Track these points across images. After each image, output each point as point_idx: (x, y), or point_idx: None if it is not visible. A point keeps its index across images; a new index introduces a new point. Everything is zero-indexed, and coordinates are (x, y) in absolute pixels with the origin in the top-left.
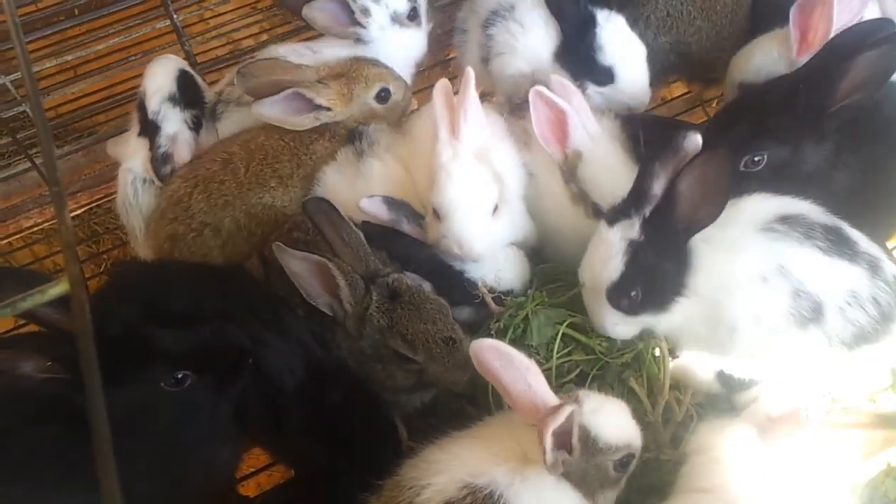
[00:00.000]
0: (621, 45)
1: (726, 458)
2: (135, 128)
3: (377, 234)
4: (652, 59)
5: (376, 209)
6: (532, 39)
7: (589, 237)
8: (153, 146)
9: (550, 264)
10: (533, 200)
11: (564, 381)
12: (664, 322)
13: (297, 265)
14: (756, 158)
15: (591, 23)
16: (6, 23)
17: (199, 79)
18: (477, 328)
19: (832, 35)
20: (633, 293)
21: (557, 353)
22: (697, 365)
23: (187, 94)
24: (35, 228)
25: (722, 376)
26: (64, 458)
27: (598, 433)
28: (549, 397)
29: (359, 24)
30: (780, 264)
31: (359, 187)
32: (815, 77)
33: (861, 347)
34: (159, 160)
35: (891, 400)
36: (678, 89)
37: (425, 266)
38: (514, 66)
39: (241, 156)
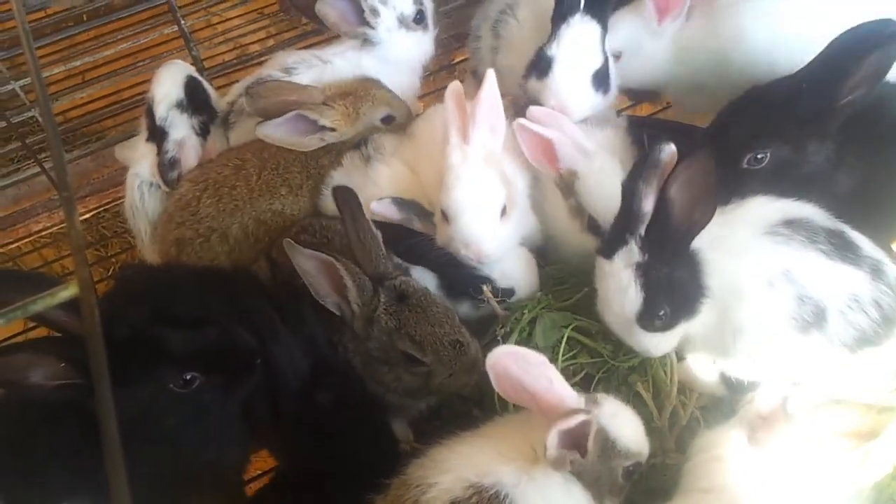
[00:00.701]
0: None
1: (728, 457)
2: (143, 133)
3: (387, 229)
4: None
5: (387, 210)
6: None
7: (584, 250)
8: (161, 151)
9: (556, 266)
10: (536, 202)
11: (572, 383)
12: (698, 321)
13: (307, 263)
14: (759, 156)
15: None
16: (16, 29)
17: (206, 84)
18: (477, 324)
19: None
20: (661, 313)
21: (563, 356)
22: (702, 367)
23: (195, 100)
24: (44, 232)
25: (726, 379)
26: (74, 461)
27: (616, 437)
28: (569, 392)
29: (367, 24)
30: (786, 269)
31: (368, 192)
32: (819, 76)
33: (863, 350)
34: (167, 165)
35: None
36: None
37: (435, 260)
38: (517, 65)
39: (254, 163)
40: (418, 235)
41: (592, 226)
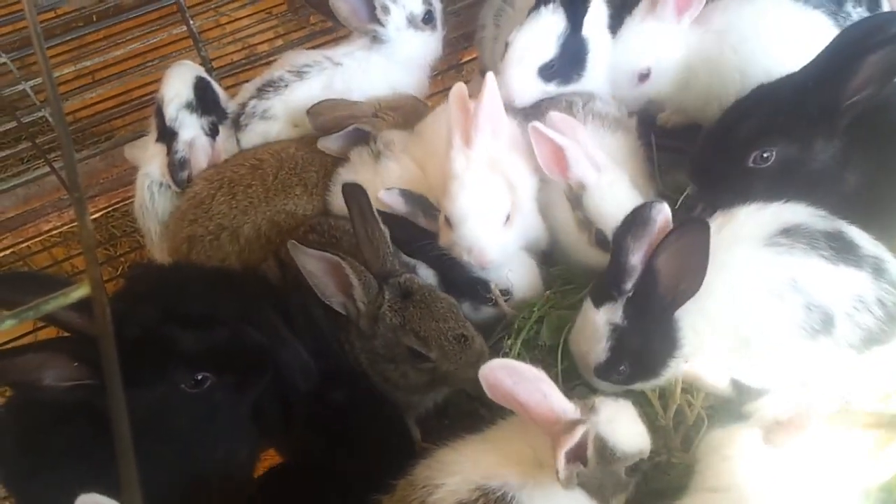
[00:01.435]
0: None
1: (738, 457)
2: (153, 133)
3: (394, 226)
4: None
5: (394, 201)
6: None
7: (591, 262)
8: (170, 152)
9: (563, 266)
10: (544, 205)
11: (575, 384)
12: (662, 382)
13: (312, 264)
14: (765, 154)
15: None
16: (26, 30)
17: (215, 85)
18: (482, 325)
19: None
20: (621, 369)
21: (566, 358)
22: (709, 372)
23: (204, 100)
24: (54, 232)
25: (735, 383)
26: (85, 462)
27: (615, 443)
28: (565, 405)
29: (378, 21)
30: (792, 279)
31: (377, 188)
32: (825, 73)
33: (870, 349)
34: (176, 165)
35: None
36: None
37: (437, 260)
38: None
39: (271, 163)
40: (422, 236)
41: (600, 240)
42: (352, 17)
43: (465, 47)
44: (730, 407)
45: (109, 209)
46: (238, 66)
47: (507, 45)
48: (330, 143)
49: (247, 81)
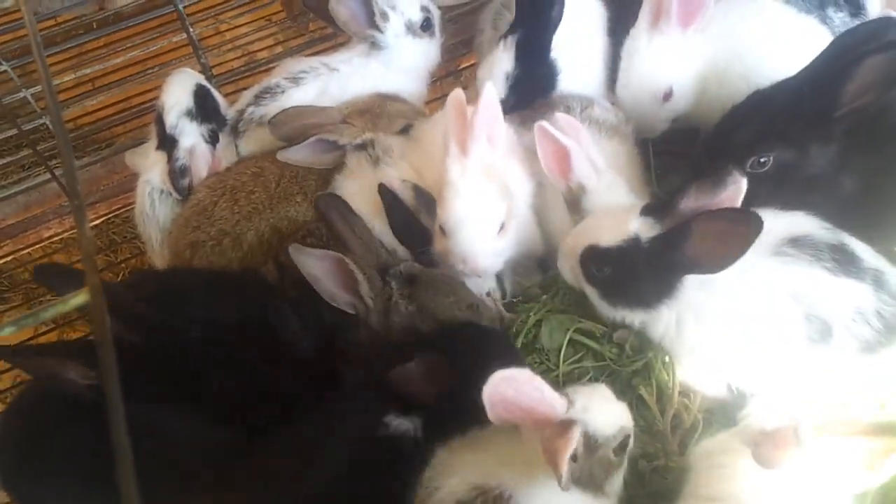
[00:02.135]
0: None
1: (732, 465)
2: (153, 141)
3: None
4: None
5: (405, 192)
6: None
7: None
8: (171, 159)
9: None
10: (540, 209)
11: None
12: (609, 313)
13: (315, 266)
14: (762, 160)
15: None
16: (27, 37)
17: (215, 92)
18: None
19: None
20: (605, 269)
21: (567, 359)
22: (706, 378)
23: (204, 108)
24: (55, 238)
25: (731, 389)
26: (87, 466)
27: (594, 430)
28: (556, 398)
29: (377, 27)
30: (794, 289)
31: (376, 193)
32: (820, 78)
33: (867, 359)
34: (177, 173)
35: None
36: None
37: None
38: None
39: (273, 170)
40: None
41: None
42: (351, 22)
43: (464, 54)
44: (727, 411)
45: (110, 215)
46: (238, 73)
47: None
48: (291, 155)
49: (246, 88)
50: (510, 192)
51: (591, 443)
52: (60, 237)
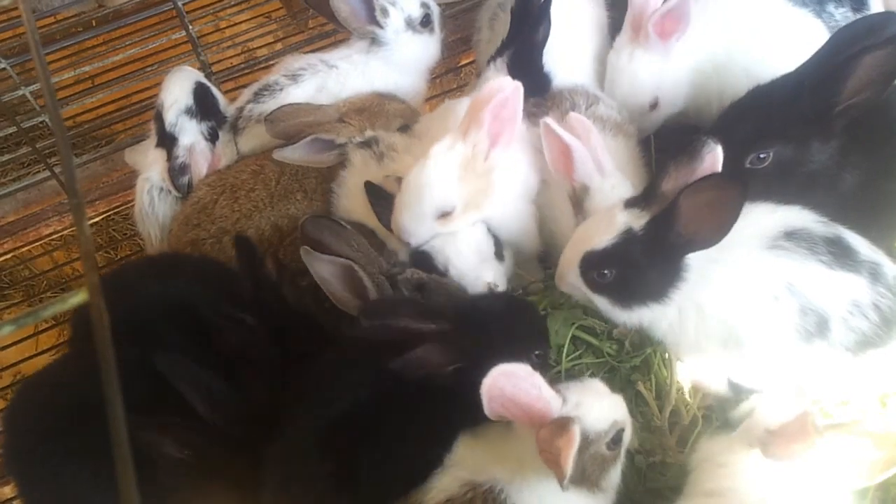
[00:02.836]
0: None
1: (733, 463)
2: (152, 138)
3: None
4: None
5: (389, 185)
6: None
7: None
8: (170, 157)
9: None
10: (542, 207)
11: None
12: (624, 317)
13: (324, 270)
14: (762, 156)
15: None
16: (26, 35)
17: (215, 90)
18: None
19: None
20: (606, 272)
21: (568, 356)
22: (706, 375)
23: (203, 105)
24: (54, 236)
25: (731, 384)
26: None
27: (586, 426)
28: (552, 395)
29: (377, 23)
30: (789, 282)
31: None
32: (819, 74)
33: (865, 353)
34: (177, 170)
35: None
36: None
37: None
38: None
39: (273, 168)
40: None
41: None
42: (352, 18)
43: (464, 50)
44: (725, 408)
45: (110, 213)
46: (237, 70)
47: None
48: (288, 154)
49: (246, 85)
50: (489, 191)
51: (582, 439)
52: (60, 234)
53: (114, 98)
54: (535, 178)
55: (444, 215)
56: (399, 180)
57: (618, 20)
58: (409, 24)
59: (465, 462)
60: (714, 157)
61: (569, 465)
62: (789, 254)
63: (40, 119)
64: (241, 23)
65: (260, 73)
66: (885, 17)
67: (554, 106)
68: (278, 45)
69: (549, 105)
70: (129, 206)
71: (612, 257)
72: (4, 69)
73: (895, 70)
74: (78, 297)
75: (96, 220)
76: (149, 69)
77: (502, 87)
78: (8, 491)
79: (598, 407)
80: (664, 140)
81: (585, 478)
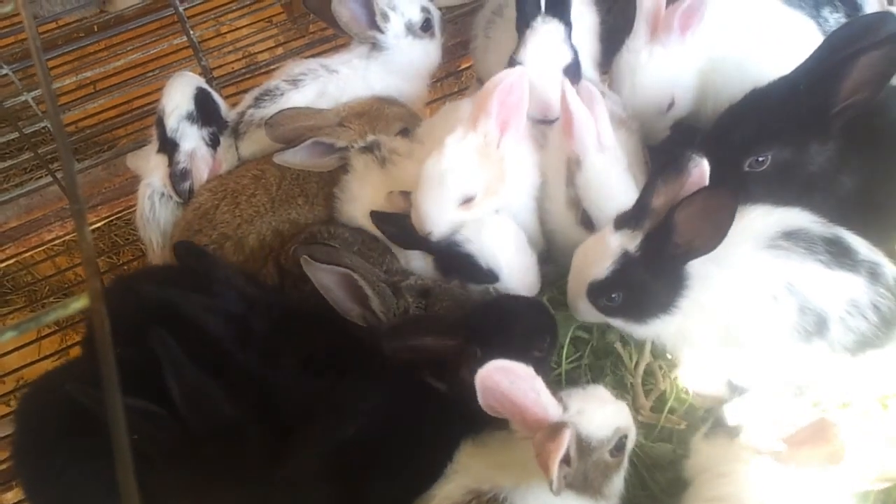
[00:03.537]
0: None
1: (735, 472)
2: (154, 144)
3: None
4: None
5: (393, 203)
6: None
7: (576, 241)
8: (172, 163)
9: (562, 264)
10: (539, 202)
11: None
12: (638, 332)
13: (325, 278)
14: (760, 159)
15: None
16: (28, 41)
17: (216, 95)
18: None
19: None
20: (613, 296)
21: (568, 357)
22: (703, 376)
23: (205, 111)
24: (57, 241)
25: (730, 385)
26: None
27: (588, 433)
28: (551, 401)
29: (378, 28)
30: (788, 282)
31: (385, 193)
32: (816, 75)
33: (864, 353)
34: (178, 176)
35: None
36: None
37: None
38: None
39: (274, 173)
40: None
41: (585, 220)
42: (352, 23)
43: (464, 54)
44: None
45: (112, 218)
46: (238, 75)
47: (515, 65)
48: (288, 158)
49: (247, 90)
50: (504, 178)
51: (584, 446)
52: (62, 240)
53: (115, 103)
54: (537, 175)
55: (468, 201)
56: (404, 194)
57: (612, 26)
58: (410, 28)
59: (468, 470)
60: (701, 171)
61: (555, 468)
62: (788, 253)
63: (42, 124)
64: (242, 28)
65: (261, 77)
66: (881, 16)
67: None
68: (279, 50)
69: None
70: (131, 211)
71: (615, 283)
72: (6, 75)
73: (891, 70)
74: (80, 303)
75: (98, 224)
76: (150, 74)
77: (508, 74)
78: (10, 497)
79: (600, 414)
80: (663, 141)
81: (588, 485)
